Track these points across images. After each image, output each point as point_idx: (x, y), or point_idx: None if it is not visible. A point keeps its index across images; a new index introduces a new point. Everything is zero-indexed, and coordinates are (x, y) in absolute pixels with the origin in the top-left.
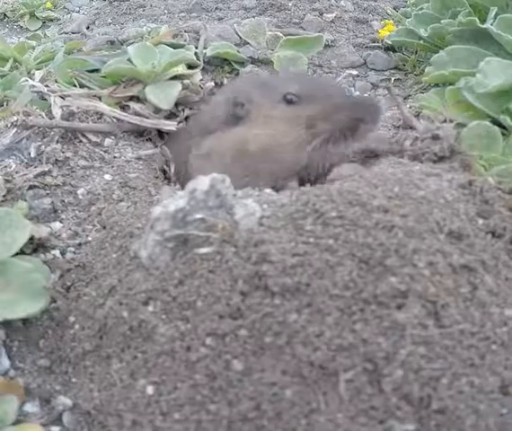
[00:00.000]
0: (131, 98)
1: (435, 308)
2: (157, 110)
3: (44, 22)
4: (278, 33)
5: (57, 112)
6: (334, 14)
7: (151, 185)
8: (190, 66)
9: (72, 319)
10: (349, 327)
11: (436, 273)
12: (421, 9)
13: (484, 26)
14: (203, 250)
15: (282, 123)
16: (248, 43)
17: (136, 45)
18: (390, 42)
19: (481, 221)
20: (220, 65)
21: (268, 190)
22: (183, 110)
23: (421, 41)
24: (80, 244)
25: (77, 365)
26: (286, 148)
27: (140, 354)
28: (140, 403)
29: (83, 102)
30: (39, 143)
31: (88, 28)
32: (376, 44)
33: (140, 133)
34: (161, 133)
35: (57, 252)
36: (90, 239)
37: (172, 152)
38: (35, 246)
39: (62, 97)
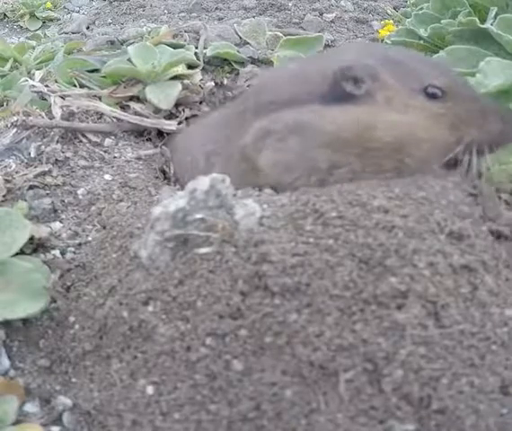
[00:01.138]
0: (131, 98)
1: (435, 308)
2: (157, 110)
3: (44, 22)
4: (278, 33)
5: (57, 112)
6: (334, 14)
7: (151, 185)
8: (190, 66)
9: (72, 319)
10: (349, 327)
11: (437, 273)
12: (421, 9)
13: (484, 26)
14: (203, 250)
15: (422, 118)
16: (248, 43)
17: (136, 45)
18: (390, 42)
19: (481, 222)
20: (220, 65)
21: (268, 190)
22: (183, 110)
23: (421, 41)
24: (80, 244)
25: (77, 365)
26: (423, 147)
27: (140, 354)
28: (140, 403)
29: (83, 102)
30: (39, 143)
31: (88, 28)
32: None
33: (140, 133)
34: (161, 133)
35: (57, 252)
36: (90, 239)
37: (198, 132)
38: (35, 246)
39: (62, 97)
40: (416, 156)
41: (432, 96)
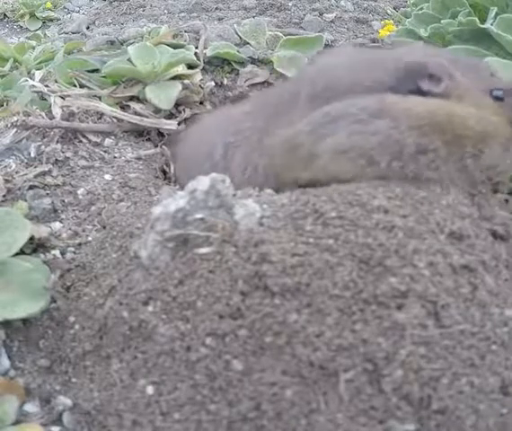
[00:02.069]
0: (131, 98)
1: (435, 308)
2: (157, 110)
3: (44, 22)
4: (278, 33)
5: (57, 112)
6: (334, 14)
7: (151, 185)
8: (190, 66)
9: (72, 319)
10: (349, 327)
11: (437, 273)
12: (421, 9)
13: (484, 26)
14: (203, 250)
15: (493, 116)
16: (248, 43)
17: (136, 45)
18: (390, 42)
19: (482, 222)
20: (220, 65)
21: (268, 190)
22: (184, 110)
23: (421, 41)
24: (80, 244)
25: (77, 365)
26: (499, 141)
27: (140, 354)
28: (140, 403)
29: (84, 102)
30: (39, 143)
31: (88, 28)
32: (376, 44)
33: (140, 133)
34: (161, 133)
35: (57, 252)
36: (90, 239)
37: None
38: (35, 246)
39: (62, 97)
40: (494, 147)
41: (496, 98)
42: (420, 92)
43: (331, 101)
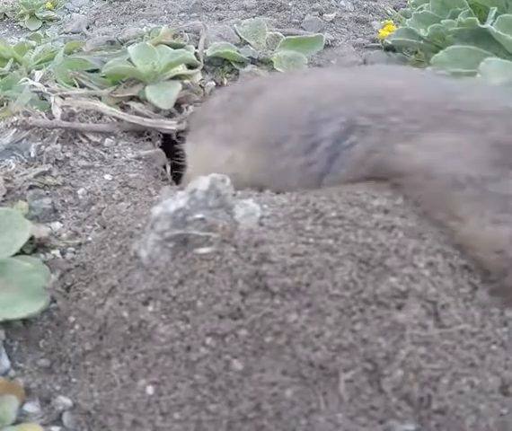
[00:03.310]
0: (131, 98)
1: (435, 308)
2: (157, 110)
3: (44, 22)
4: (278, 33)
5: (57, 112)
6: (334, 14)
7: (151, 185)
8: (190, 66)
9: (72, 319)
10: (349, 327)
11: (437, 273)
12: (421, 9)
13: (484, 26)
14: (203, 250)
15: None
16: (248, 43)
17: (136, 45)
18: (390, 42)
19: None
20: (220, 65)
21: (268, 191)
22: (186, 108)
23: (421, 41)
24: (80, 244)
25: (77, 364)
26: None
27: (140, 354)
28: (140, 403)
29: (84, 102)
30: (39, 143)
31: (88, 28)
32: (376, 44)
33: (140, 133)
34: (161, 133)
35: (57, 252)
36: (90, 239)
37: None
38: (35, 246)
39: (62, 97)
40: None
41: None
42: None
43: None
